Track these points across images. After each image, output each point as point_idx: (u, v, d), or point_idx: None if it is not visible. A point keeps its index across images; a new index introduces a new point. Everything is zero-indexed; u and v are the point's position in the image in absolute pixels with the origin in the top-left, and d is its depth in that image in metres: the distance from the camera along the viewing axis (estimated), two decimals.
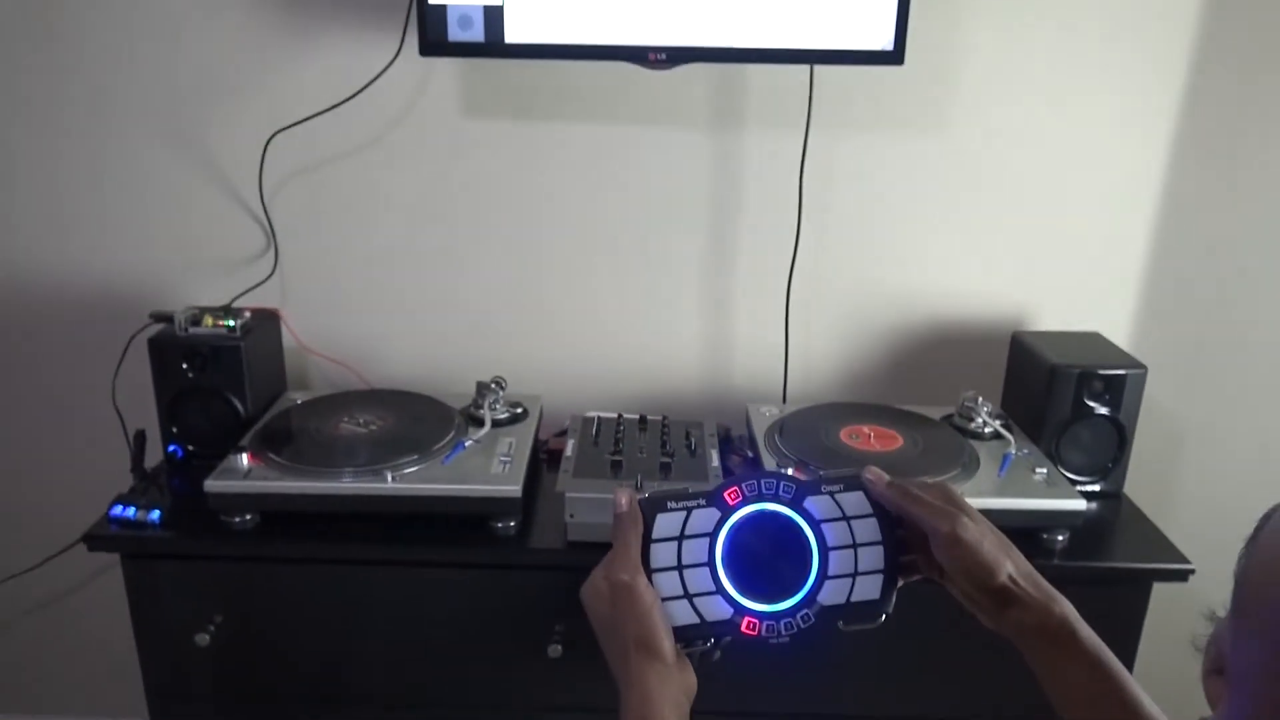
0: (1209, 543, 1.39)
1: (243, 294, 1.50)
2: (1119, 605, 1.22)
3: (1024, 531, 1.12)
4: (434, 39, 1.29)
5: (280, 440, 1.28)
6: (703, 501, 0.76)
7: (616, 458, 1.25)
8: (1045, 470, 1.24)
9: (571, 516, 1.19)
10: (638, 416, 1.39)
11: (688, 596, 0.74)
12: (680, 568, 0.74)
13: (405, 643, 1.26)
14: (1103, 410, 1.31)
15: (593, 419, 1.38)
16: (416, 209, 1.51)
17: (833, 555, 0.76)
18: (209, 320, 1.34)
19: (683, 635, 0.74)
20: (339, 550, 1.21)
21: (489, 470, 1.23)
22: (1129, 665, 1.24)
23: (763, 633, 0.75)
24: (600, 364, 1.58)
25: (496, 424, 1.34)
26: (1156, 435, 1.52)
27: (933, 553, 0.75)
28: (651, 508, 0.76)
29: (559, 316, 1.56)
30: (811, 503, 0.77)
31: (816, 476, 0.80)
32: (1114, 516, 1.33)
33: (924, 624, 1.22)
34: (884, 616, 0.78)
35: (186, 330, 1.33)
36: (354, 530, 1.21)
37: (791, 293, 1.51)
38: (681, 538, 0.75)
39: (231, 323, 1.33)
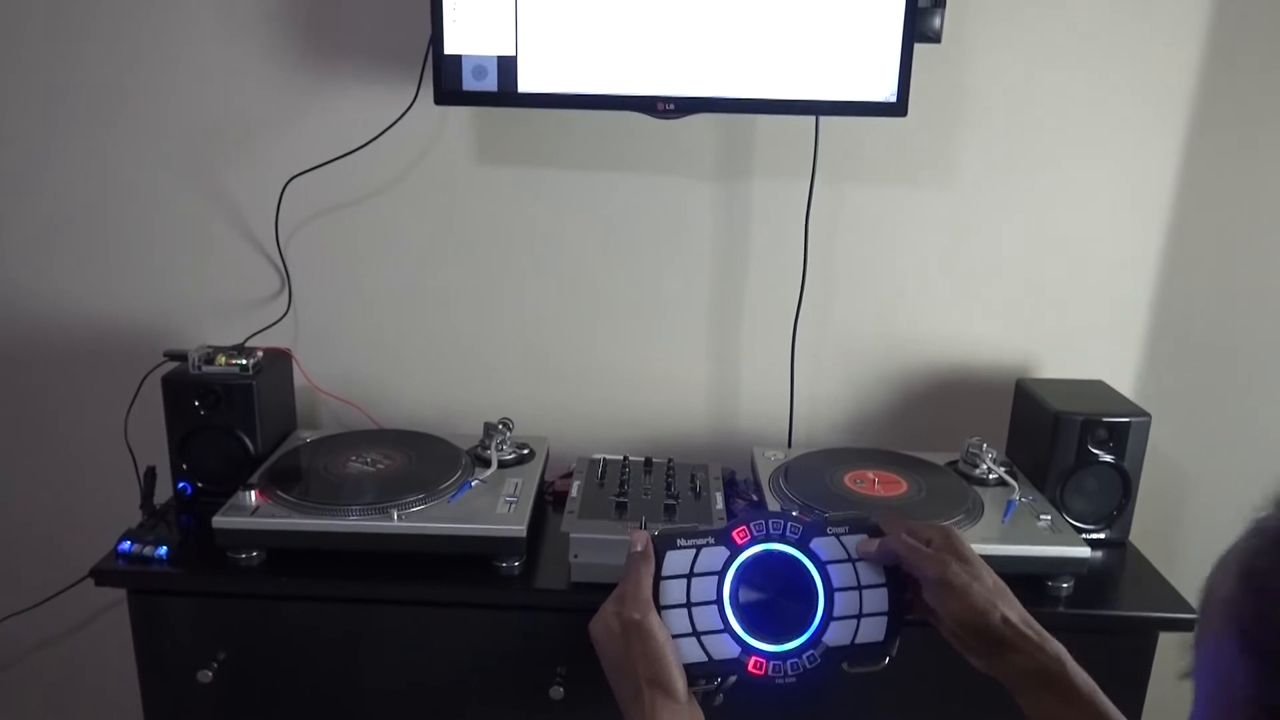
0: None
1: (256, 334, 1.52)
2: (1124, 654, 1.21)
3: (1028, 578, 1.12)
4: (449, 88, 1.32)
5: (288, 478, 1.29)
6: (712, 540, 0.77)
7: (622, 499, 1.26)
8: (1049, 517, 1.24)
9: (576, 557, 1.19)
10: (643, 459, 1.40)
11: (696, 634, 0.75)
12: (689, 605, 0.75)
13: (408, 681, 1.25)
14: (1107, 458, 1.31)
15: (598, 460, 1.39)
16: (428, 252, 1.54)
17: (838, 596, 0.77)
18: (222, 359, 1.36)
19: (690, 673, 0.74)
20: (343, 588, 1.21)
21: (494, 510, 1.24)
22: (1135, 716, 1.23)
23: (769, 672, 0.75)
24: (607, 407, 1.59)
25: (503, 465, 1.35)
26: (1162, 483, 1.52)
27: (928, 597, 0.77)
28: (662, 544, 0.77)
29: (567, 360, 1.58)
30: (818, 544, 0.78)
31: (823, 518, 0.81)
32: (1119, 564, 1.32)
33: (923, 663, 1.22)
34: (888, 659, 0.78)
35: (200, 368, 1.35)
36: (359, 569, 1.21)
37: (797, 338, 1.53)
38: (691, 575, 0.76)
39: (244, 362, 1.35)
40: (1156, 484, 1.48)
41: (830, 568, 0.78)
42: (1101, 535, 1.34)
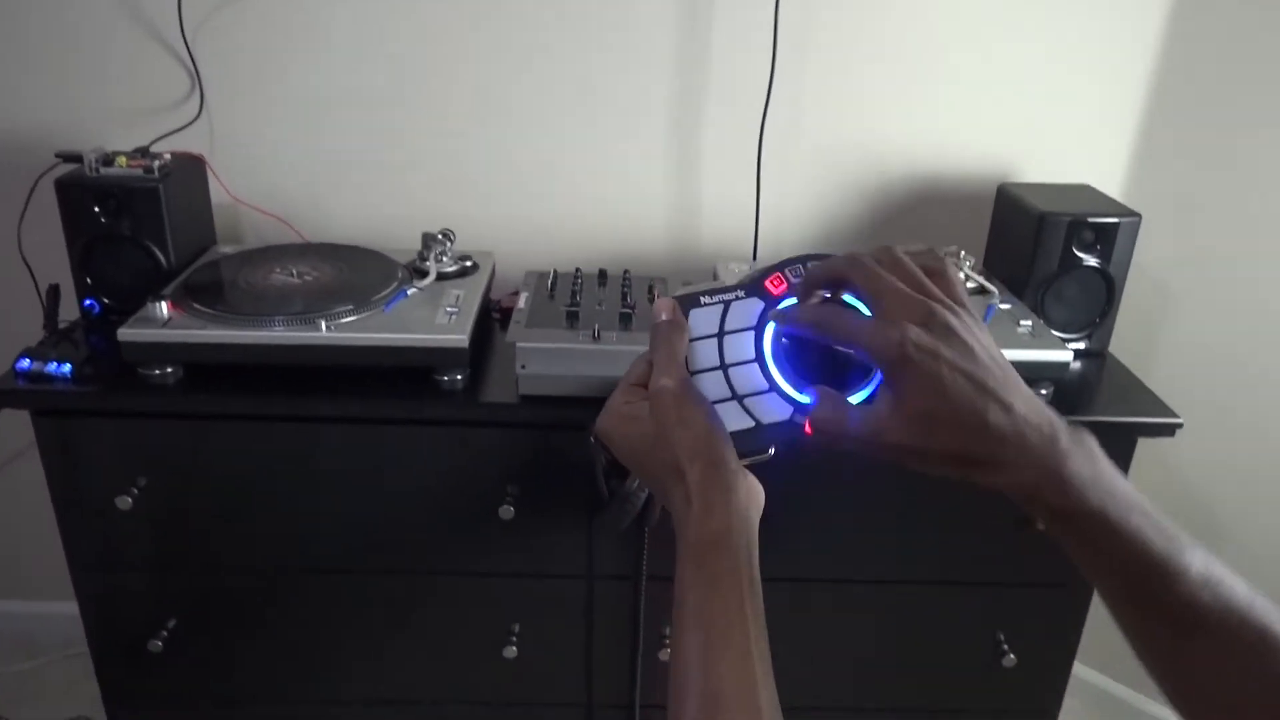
0: (1195, 400, 1.34)
1: (163, 137, 1.36)
2: None
3: None
4: None
5: (205, 290, 1.17)
6: (741, 293, 0.65)
7: (573, 309, 1.16)
8: (1030, 323, 1.17)
9: (523, 368, 1.10)
10: (597, 271, 1.29)
11: (737, 398, 0.63)
12: (724, 367, 0.64)
13: (348, 504, 1.18)
14: (1092, 261, 1.23)
15: (548, 273, 1.29)
16: (356, 50, 1.37)
17: None
18: (123, 161, 1.21)
19: (736, 444, 0.62)
20: (271, 405, 1.11)
21: (434, 320, 1.13)
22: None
23: None
24: (558, 221, 1.47)
25: (443, 276, 1.24)
26: (1142, 298, 1.45)
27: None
28: (683, 304, 0.65)
29: (513, 171, 1.45)
30: None
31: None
32: (1098, 373, 1.26)
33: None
34: None
35: (98, 171, 1.20)
36: (289, 386, 1.11)
37: (764, 145, 1.40)
38: (722, 334, 0.64)
39: (149, 164, 1.21)
40: (1137, 299, 1.41)
41: None
42: (1082, 344, 1.28)
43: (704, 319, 0.64)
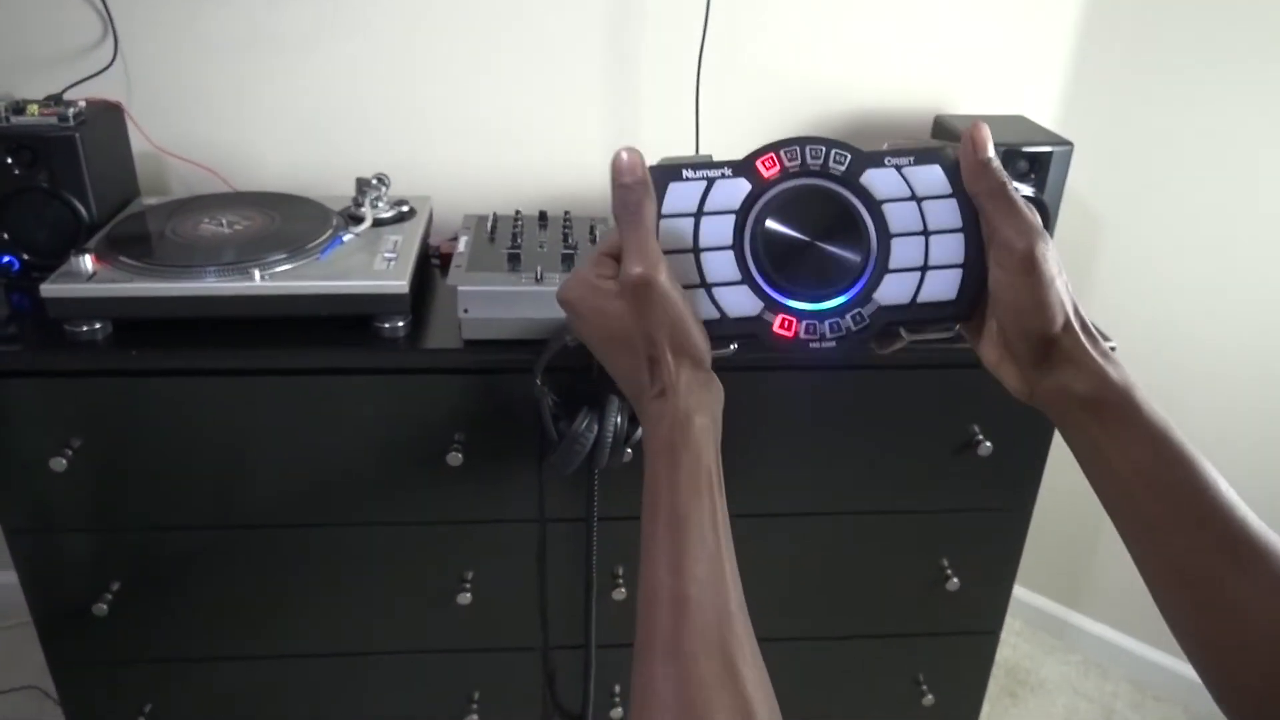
0: (1128, 321, 1.38)
1: (75, 85, 1.30)
2: None
3: None
4: None
5: (131, 242, 1.13)
6: (728, 171, 0.59)
7: (515, 251, 1.14)
8: None
9: (466, 312, 1.08)
10: (537, 213, 1.28)
11: (706, 286, 0.58)
12: (697, 250, 0.58)
13: (290, 457, 1.16)
14: (1027, 190, 1.25)
15: (488, 216, 1.26)
16: None
17: (896, 244, 0.60)
18: (34, 109, 1.16)
19: None
20: (205, 359, 1.09)
21: (372, 266, 1.11)
22: (1041, 441, 1.23)
23: (801, 333, 0.59)
24: (496, 164, 1.45)
25: (380, 222, 1.22)
26: (1076, 223, 1.48)
27: (991, 271, 0.59)
28: (663, 175, 0.58)
29: (445, 114, 1.41)
30: (872, 177, 0.60)
31: (880, 149, 0.62)
32: None
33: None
34: (958, 326, 0.62)
35: (8, 119, 1.15)
36: (222, 338, 1.08)
37: (701, 82, 1.39)
38: (700, 214, 0.58)
39: (63, 112, 1.16)
40: (1070, 225, 1.44)
41: (887, 207, 0.60)
42: None
43: (683, 195, 0.59)
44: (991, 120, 1.36)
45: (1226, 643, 0.50)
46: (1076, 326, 0.57)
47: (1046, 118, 1.46)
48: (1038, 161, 1.24)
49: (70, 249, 1.13)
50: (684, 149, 1.41)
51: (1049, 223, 1.27)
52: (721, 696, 0.46)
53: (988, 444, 1.19)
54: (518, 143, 1.44)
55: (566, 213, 1.28)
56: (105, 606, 1.19)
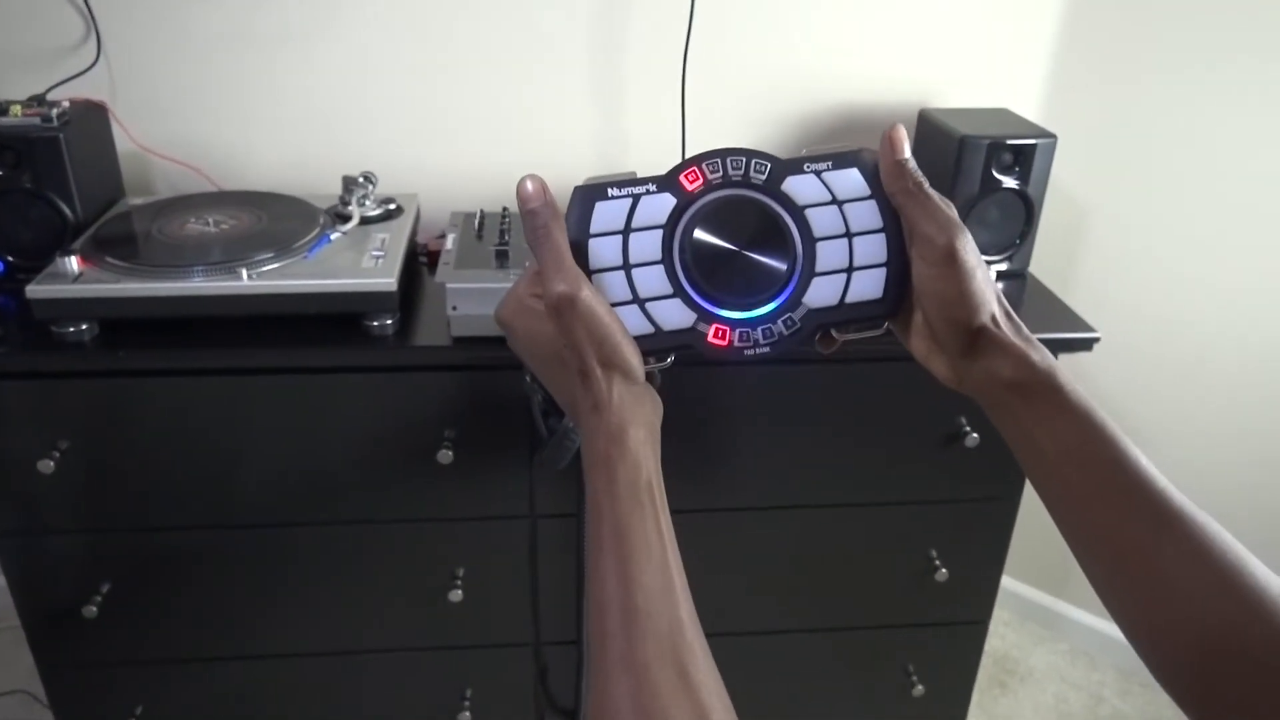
0: (1112, 314, 1.39)
1: (58, 84, 1.30)
2: None
3: None
4: None
5: (117, 242, 1.13)
6: (653, 187, 0.60)
7: (502, 248, 1.15)
8: None
9: (454, 309, 1.08)
10: None
11: (638, 301, 0.59)
12: (627, 267, 0.59)
13: (280, 457, 1.16)
14: (1011, 183, 1.26)
15: (475, 214, 1.26)
16: None
17: (822, 247, 0.61)
18: (17, 109, 1.15)
19: None
20: (193, 359, 1.08)
21: (359, 265, 1.11)
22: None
23: (735, 342, 0.60)
24: (483, 161, 1.44)
25: (367, 220, 1.22)
26: (1059, 216, 1.49)
27: (915, 267, 0.60)
28: (588, 196, 0.60)
29: (433, 112, 1.41)
30: (793, 184, 0.62)
31: (799, 156, 0.63)
32: (1020, 293, 1.30)
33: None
34: (886, 324, 0.64)
35: None
36: (210, 338, 1.08)
37: (687, 77, 1.39)
38: (628, 231, 0.59)
39: (46, 112, 1.15)
40: (1055, 217, 1.45)
41: (811, 213, 0.61)
42: (1004, 266, 1.31)
43: (609, 213, 0.60)
44: (976, 113, 1.37)
45: (1155, 616, 0.51)
46: (1000, 315, 0.58)
47: (1031, 110, 1.47)
48: (1022, 154, 1.25)
49: (55, 250, 1.12)
50: (671, 144, 1.42)
51: (1033, 216, 1.28)
52: (678, 704, 0.47)
53: (975, 435, 1.20)
54: (504, 140, 1.44)
55: None
56: (95, 608, 1.19)
